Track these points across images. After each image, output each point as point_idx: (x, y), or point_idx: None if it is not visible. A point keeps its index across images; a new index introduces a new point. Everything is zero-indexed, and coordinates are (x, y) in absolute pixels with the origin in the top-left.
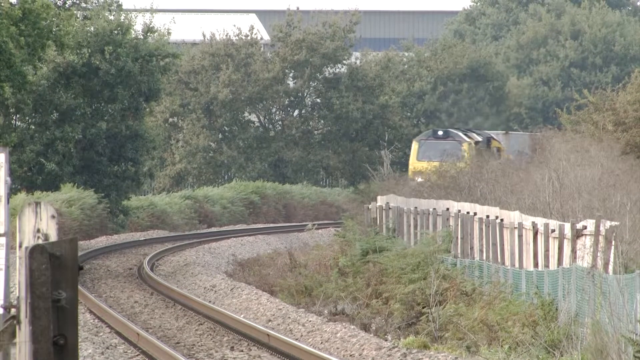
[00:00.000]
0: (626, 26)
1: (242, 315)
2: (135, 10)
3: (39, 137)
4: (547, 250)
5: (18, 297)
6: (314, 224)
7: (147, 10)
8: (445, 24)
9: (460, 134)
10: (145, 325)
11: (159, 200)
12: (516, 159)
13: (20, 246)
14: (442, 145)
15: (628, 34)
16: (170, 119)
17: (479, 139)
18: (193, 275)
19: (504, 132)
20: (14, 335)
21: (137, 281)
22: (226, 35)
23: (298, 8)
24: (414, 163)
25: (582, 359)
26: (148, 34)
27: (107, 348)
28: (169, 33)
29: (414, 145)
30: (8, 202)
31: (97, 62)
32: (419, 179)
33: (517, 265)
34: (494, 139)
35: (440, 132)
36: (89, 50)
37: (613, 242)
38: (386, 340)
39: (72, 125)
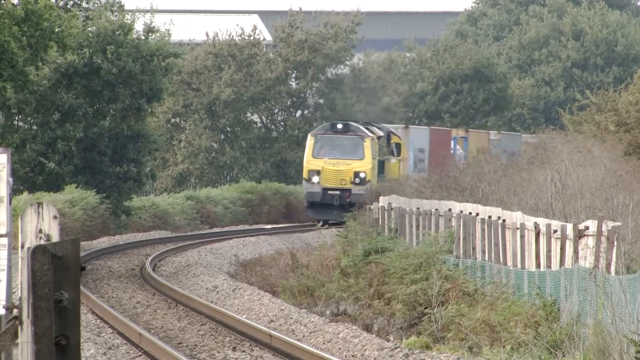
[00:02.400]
0: (627, 27)
1: (244, 316)
2: (137, 11)
3: (41, 137)
4: (549, 250)
5: (20, 298)
6: (321, 224)
7: (148, 11)
8: (447, 25)
9: (362, 127)
10: (148, 326)
11: (161, 201)
12: (416, 164)
13: (22, 247)
14: (342, 141)
15: (629, 34)
16: (173, 120)
17: (381, 133)
18: (195, 276)
19: (403, 126)
20: (16, 335)
21: (140, 282)
22: (229, 36)
23: (301, 9)
24: (309, 161)
25: (584, 359)
26: (149, 34)
27: (109, 349)
28: (169, 33)
29: (309, 140)
30: (10, 203)
31: (99, 62)
32: (315, 179)
33: (519, 265)
34: (393, 133)
35: (339, 126)
36: (90, 51)
37: (615, 243)
38: (388, 340)
39: (74, 125)
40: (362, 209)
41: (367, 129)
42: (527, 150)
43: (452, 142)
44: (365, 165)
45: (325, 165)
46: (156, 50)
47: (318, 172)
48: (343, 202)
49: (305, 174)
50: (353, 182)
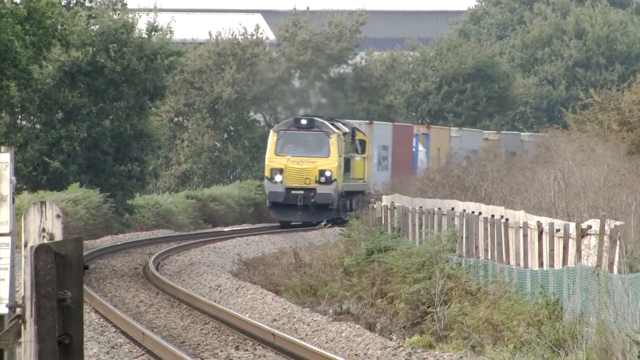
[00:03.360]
0: (629, 25)
1: (247, 315)
2: (141, 10)
3: (44, 136)
4: (552, 249)
5: (23, 297)
6: (327, 223)
7: (151, 10)
8: (450, 24)
9: (327, 123)
10: (151, 325)
11: (164, 200)
12: (380, 161)
13: (25, 245)
14: (306, 137)
15: (631, 32)
16: (176, 119)
17: (346, 129)
18: (198, 275)
19: (367, 121)
20: (19, 334)
21: (143, 281)
22: (232, 35)
23: (308, 8)
24: (271, 158)
25: (587, 358)
26: (152, 32)
27: (113, 347)
28: (171, 32)
29: (272, 136)
30: (13, 202)
31: (102, 60)
32: (278, 178)
33: (522, 264)
34: (358, 129)
35: (303, 121)
36: (94, 49)
37: (618, 242)
38: (391, 339)
39: (77, 124)
40: (365, 208)
41: (332, 124)
42: (490, 148)
43: (414, 139)
44: (331, 163)
45: (288, 163)
46: (159, 49)
47: (281, 171)
48: (307, 202)
49: (267, 173)
50: (318, 182)
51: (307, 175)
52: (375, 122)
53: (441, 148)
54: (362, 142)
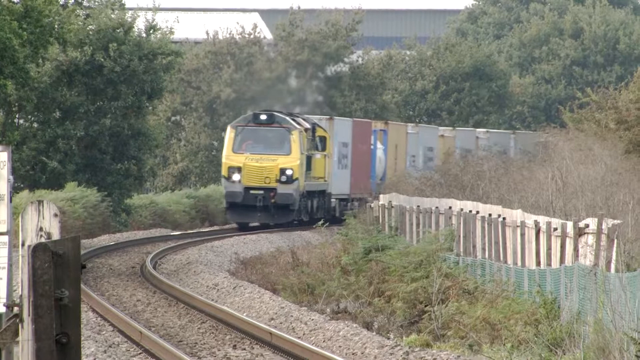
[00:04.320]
0: (630, 25)
1: (244, 314)
2: (139, 9)
3: (42, 135)
4: (549, 248)
5: (21, 296)
6: (324, 222)
7: (149, 9)
8: (447, 23)
9: (288, 118)
10: (148, 324)
11: (161, 199)
12: (339, 160)
13: (22, 244)
14: (265, 133)
15: (632, 33)
16: (173, 118)
17: (307, 125)
18: (196, 274)
19: (328, 117)
20: (16, 333)
21: (140, 279)
22: (229, 34)
23: (299, 7)
24: (228, 156)
25: (585, 357)
26: (151, 32)
27: (110, 346)
28: (171, 32)
29: (229, 133)
30: (11, 201)
31: (102, 60)
32: (236, 177)
33: (519, 263)
34: (318, 126)
35: (263, 116)
36: (92, 48)
37: (615, 241)
38: (388, 338)
39: (75, 123)
40: (363, 207)
41: (293, 120)
42: (445, 142)
43: (372, 136)
44: (292, 161)
45: (247, 161)
46: (158, 49)
47: (239, 169)
48: (267, 203)
49: (224, 172)
50: (279, 181)
51: (266, 174)
52: (335, 117)
53: (398, 145)
54: (323, 139)
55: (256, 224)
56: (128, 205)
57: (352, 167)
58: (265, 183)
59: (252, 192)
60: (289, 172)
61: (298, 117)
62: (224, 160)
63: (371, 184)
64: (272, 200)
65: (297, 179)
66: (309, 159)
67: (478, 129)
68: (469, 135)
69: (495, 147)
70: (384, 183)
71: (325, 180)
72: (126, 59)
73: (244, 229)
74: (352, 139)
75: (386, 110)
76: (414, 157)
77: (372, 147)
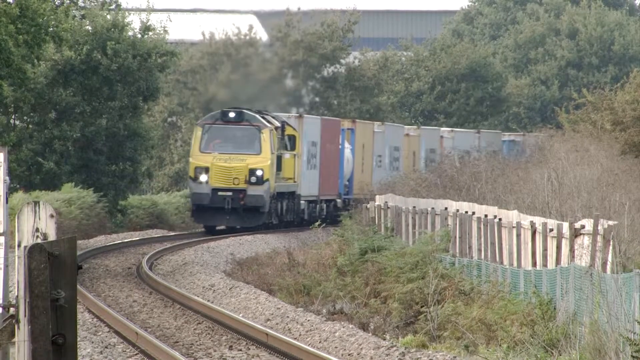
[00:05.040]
0: (625, 26)
1: (240, 315)
2: (134, 10)
3: (38, 136)
4: (545, 249)
5: (17, 296)
6: (321, 223)
7: (144, 10)
8: (443, 24)
9: (258, 116)
10: (144, 325)
11: (157, 200)
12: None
13: (19, 245)
14: (234, 132)
15: (627, 33)
16: (169, 119)
17: (277, 123)
18: (192, 275)
19: (297, 115)
20: (13, 334)
21: (136, 280)
22: (225, 35)
23: (299, 8)
24: (195, 156)
25: (581, 358)
26: (145, 32)
27: (106, 347)
28: (165, 31)
29: (196, 131)
30: (7, 202)
31: (99, 57)
32: (203, 178)
33: (515, 264)
34: (287, 124)
35: (231, 114)
36: (87, 48)
37: (611, 242)
38: (384, 339)
39: (71, 124)
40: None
41: (263, 117)
42: (410, 142)
43: (340, 135)
44: (262, 161)
45: (214, 161)
46: (153, 48)
47: (206, 170)
48: (236, 205)
49: (191, 172)
50: (248, 182)
51: (235, 175)
52: (305, 115)
53: (365, 144)
54: (292, 138)
55: (223, 227)
56: (124, 206)
57: (321, 168)
58: (234, 184)
59: (220, 193)
60: (259, 172)
61: (267, 114)
62: (190, 160)
63: (339, 185)
64: (242, 203)
65: (267, 180)
66: (279, 159)
67: (442, 128)
68: (433, 134)
69: (458, 148)
70: (351, 184)
71: (294, 182)
72: (122, 57)
73: (211, 232)
74: (321, 138)
75: (382, 112)
76: (380, 157)
77: (340, 146)
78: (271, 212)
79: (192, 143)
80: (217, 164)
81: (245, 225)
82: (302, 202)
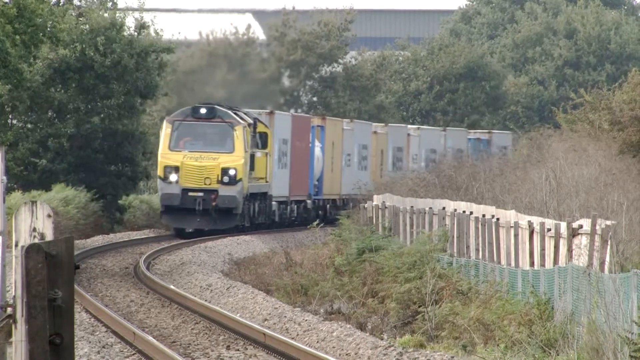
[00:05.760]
0: (623, 25)
1: (238, 315)
2: (130, 9)
3: (33, 135)
4: (543, 249)
5: (14, 296)
6: (319, 223)
7: (141, 9)
8: (441, 23)
9: (231, 113)
10: (141, 325)
11: (155, 199)
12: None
13: (16, 245)
14: (206, 129)
15: (624, 33)
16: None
17: (250, 120)
18: (189, 274)
19: (268, 111)
20: (10, 334)
21: (133, 280)
22: (223, 34)
23: (294, 7)
24: (164, 154)
25: (578, 358)
26: (141, 30)
27: (103, 347)
28: (161, 31)
29: (165, 128)
30: (4, 201)
31: (92, 54)
32: (173, 178)
33: (513, 264)
34: (259, 121)
35: (202, 110)
36: (82, 45)
37: (609, 242)
38: (382, 339)
39: (65, 121)
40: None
41: (235, 114)
42: (378, 140)
43: (310, 132)
44: (235, 159)
45: (185, 160)
46: (149, 46)
47: (176, 169)
48: (208, 206)
49: (160, 171)
50: (221, 182)
51: (207, 174)
52: (276, 112)
53: (335, 142)
54: (264, 136)
55: (191, 230)
56: (122, 205)
57: (292, 167)
58: (205, 184)
59: (190, 194)
60: (231, 172)
61: (239, 111)
62: (159, 158)
63: (309, 185)
64: (213, 204)
65: (240, 179)
66: (251, 158)
67: (409, 126)
68: (401, 132)
69: (425, 148)
70: (321, 184)
71: (266, 181)
72: (117, 55)
73: (180, 235)
74: (292, 135)
75: (383, 111)
76: (349, 156)
77: (310, 144)
78: (244, 214)
79: (160, 140)
80: (188, 162)
81: (217, 228)
82: (273, 203)
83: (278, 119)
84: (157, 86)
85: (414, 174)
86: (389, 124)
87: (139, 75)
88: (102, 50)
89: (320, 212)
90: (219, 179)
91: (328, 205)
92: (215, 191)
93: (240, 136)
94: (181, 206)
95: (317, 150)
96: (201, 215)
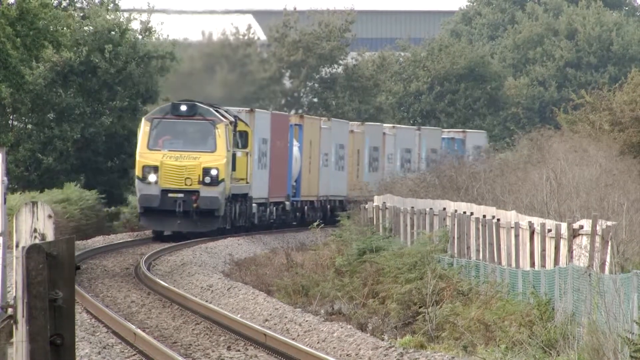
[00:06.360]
0: (624, 26)
1: (238, 315)
2: (133, 11)
3: (37, 135)
4: (543, 250)
5: (15, 297)
6: (320, 223)
7: (145, 11)
8: (441, 24)
9: (212, 110)
10: (142, 325)
11: None
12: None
13: (17, 246)
14: (186, 127)
15: (627, 34)
16: None
17: (232, 118)
18: (190, 275)
19: (248, 109)
20: (11, 334)
21: (134, 281)
22: (223, 35)
23: (295, 8)
24: (143, 153)
25: (579, 358)
26: (146, 33)
27: (104, 348)
28: (166, 37)
29: (144, 126)
30: (5, 202)
31: (97, 61)
32: (152, 178)
33: (513, 265)
34: (239, 119)
35: (183, 107)
36: (87, 49)
37: (610, 242)
38: (383, 339)
39: (71, 125)
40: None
41: (217, 111)
42: (355, 139)
43: (289, 131)
44: (217, 159)
45: (164, 159)
46: (154, 51)
47: (155, 169)
48: (189, 207)
49: (138, 171)
50: (202, 182)
51: (188, 175)
52: (256, 110)
53: (313, 141)
54: (244, 134)
55: (169, 233)
56: (122, 206)
57: (271, 167)
58: (186, 185)
59: (170, 195)
60: (213, 172)
61: (220, 108)
62: (137, 158)
63: (287, 186)
64: (195, 205)
65: (223, 180)
66: (233, 157)
67: (385, 124)
68: (377, 131)
69: (400, 147)
70: (299, 185)
71: (247, 182)
72: (122, 61)
73: (159, 238)
74: (271, 134)
75: (382, 112)
76: (326, 156)
77: (288, 143)
78: (226, 216)
79: (138, 139)
80: (168, 162)
81: (198, 231)
82: (253, 205)
83: (258, 117)
84: (158, 90)
85: (414, 174)
86: (366, 123)
87: (141, 80)
88: (109, 57)
89: (297, 214)
90: (200, 179)
91: (306, 207)
92: (196, 192)
93: (222, 134)
94: (161, 208)
95: (295, 150)
96: (182, 218)
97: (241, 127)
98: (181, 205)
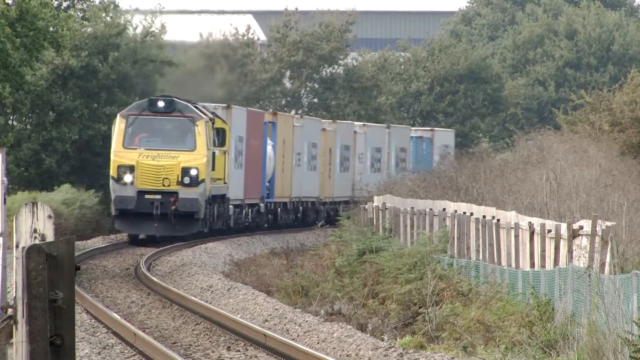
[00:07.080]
0: (624, 26)
1: (238, 316)
2: (133, 12)
3: (36, 136)
4: (543, 250)
5: (15, 297)
6: (322, 223)
7: (145, 12)
8: (441, 25)
9: (191, 106)
10: (142, 326)
11: None
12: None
13: (17, 246)
14: (164, 124)
15: (627, 34)
16: None
17: (210, 115)
18: (190, 276)
19: (224, 105)
20: (10, 335)
21: (134, 281)
22: (223, 35)
23: (297, 9)
24: (118, 152)
25: (579, 359)
26: (147, 37)
27: (104, 348)
28: (165, 42)
29: (119, 123)
30: (5, 202)
31: (99, 65)
32: (128, 179)
33: (513, 265)
34: (217, 116)
35: (160, 103)
36: (87, 53)
37: (609, 243)
38: (383, 340)
39: (69, 127)
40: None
41: (196, 107)
42: (327, 138)
43: (264, 129)
44: (197, 158)
45: (141, 158)
46: (155, 56)
47: (131, 169)
48: (167, 210)
49: (113, 171)
50: (181, 183)
51: (165, 175)
52: (234, 106)
53: (286, 140)
54: (222, 132)
55: (144, 237)
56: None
57: (246, 167)
58: (163, 186)
59: (147, 197)
60: (193, 172)
61: (198, 104)
62: (112, 157)
63: (262, 187)
64: (173, 208)
65: (203, 180)
66: (212, 157)
67: (356, 122)
68: (348, 129)
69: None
70: (272, 186)
71: (225, 182)
72: (122, 66)
73: (134, 242)
74: (247, 132)
75: (381, 113)
76: (299, 155)
77: (263, 142)
78: (206, 219)
79: (113, 137)
80: (144, 162)
81: (177, 234)
82: (230, 206)
83: (235, 114)
84: (157, 92)
85: (413, 175)
86: (337, 121)
87: (139, 81)
88: (110, 62)
89: (270, 216)
90: (179, 179)
91: (279, 209)
92: (174, 193)
93: (202, 132)
94: (137, 210)
95: (269, 149)
96: (159, 221)
97: (218, 124)
98: (158, 208)
